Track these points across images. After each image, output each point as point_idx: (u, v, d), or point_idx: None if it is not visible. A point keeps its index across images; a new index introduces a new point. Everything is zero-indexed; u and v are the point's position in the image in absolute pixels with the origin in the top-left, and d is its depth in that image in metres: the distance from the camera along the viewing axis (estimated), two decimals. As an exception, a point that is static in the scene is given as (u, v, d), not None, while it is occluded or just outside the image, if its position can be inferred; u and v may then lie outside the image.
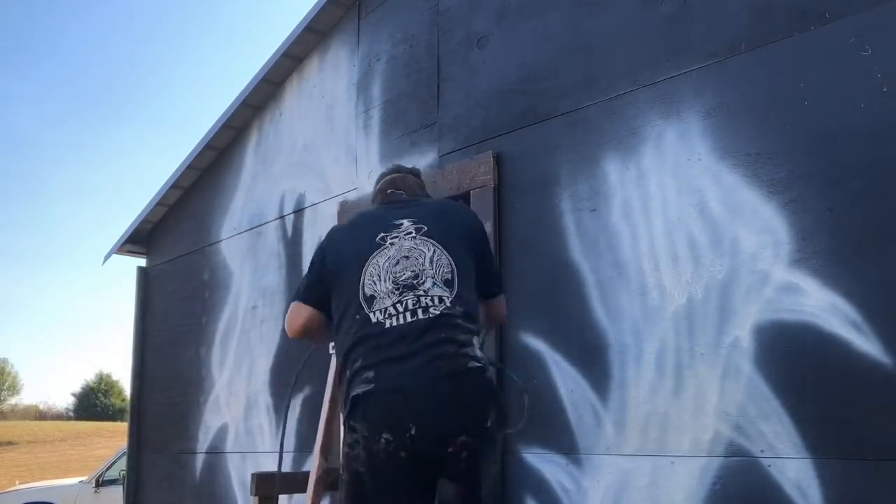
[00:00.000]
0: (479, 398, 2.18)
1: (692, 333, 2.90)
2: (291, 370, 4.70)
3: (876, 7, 2.59)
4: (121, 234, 6.58)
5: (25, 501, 10.20)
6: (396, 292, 2.26)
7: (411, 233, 2.37)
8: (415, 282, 2.26)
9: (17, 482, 16.39)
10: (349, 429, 2.21)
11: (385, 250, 2.35)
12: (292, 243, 4.92)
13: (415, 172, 2.87)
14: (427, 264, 2.30)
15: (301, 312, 2.53)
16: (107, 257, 6.69)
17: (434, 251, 2.33)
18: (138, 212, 6.45)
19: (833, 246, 2.59)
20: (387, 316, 2.24)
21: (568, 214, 3.35)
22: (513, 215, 3.57)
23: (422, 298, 2.24)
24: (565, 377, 3.25)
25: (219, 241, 5.63)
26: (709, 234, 2.90)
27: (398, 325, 2.21)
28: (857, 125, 2.58)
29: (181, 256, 6.07)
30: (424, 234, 2.36)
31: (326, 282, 2.46)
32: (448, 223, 2.44)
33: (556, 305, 3.31)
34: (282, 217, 5.04)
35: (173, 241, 6.24)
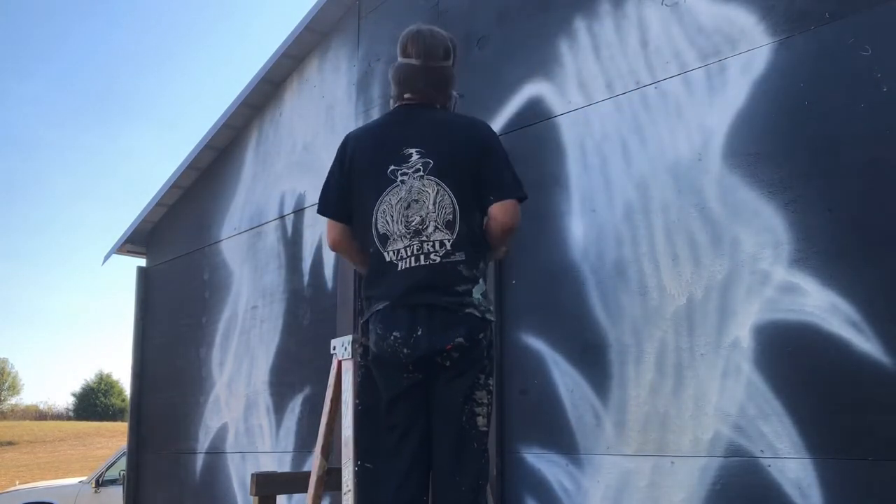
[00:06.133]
0: (474, 329, 2.45)
1: (692, 333, 2.90)
2: (292, 370, 4.72)
3: (876, 7, 2.59)
4: (121, 234, 6.58)
5: (25, 501, 10.21)
6: (407, 236, 2.46)
7: (419, 170, 2.48)
8: (421, 227, 2.45)
9: (17, 482, 16.40)
10: (365, 331, 2.55)
11: (397, 189, 2.48)
12: (292, 243, 4.92)
13: (435, 53, 2.64)
14: (431, 207, 2.45)
15: (332, 230, 2.69)
16: (107, 257, 6.69)
17: (438, 191, 2.46)
18: (138, 212, 6.46)
19: (833, 246, 2.59)
20: (399, 258, 2.46)
21: (568, 214, 3.35)
22: (513, 215, 3.56)
23: (425, 244, 2.44)
24: (565, 377, 3.25)
25: (219, 241, 5.63)
26: (709, 234, 2.90)
27: (407, 268, 2.45)
28: (857, 125, 2.58)
29: (181, 256, 6.07)
30: (430, 172, 2.47)
31: (346, 193, 2.62)
32: (452, 148, 2.51)
33: (556, 305, 3.31)
34: (282, 217, 5.05)
35: (173, 241, 6.24)
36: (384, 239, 2.49)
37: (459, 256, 2.44)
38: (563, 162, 3.40)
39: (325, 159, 4.74)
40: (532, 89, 3.61)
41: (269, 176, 5.26)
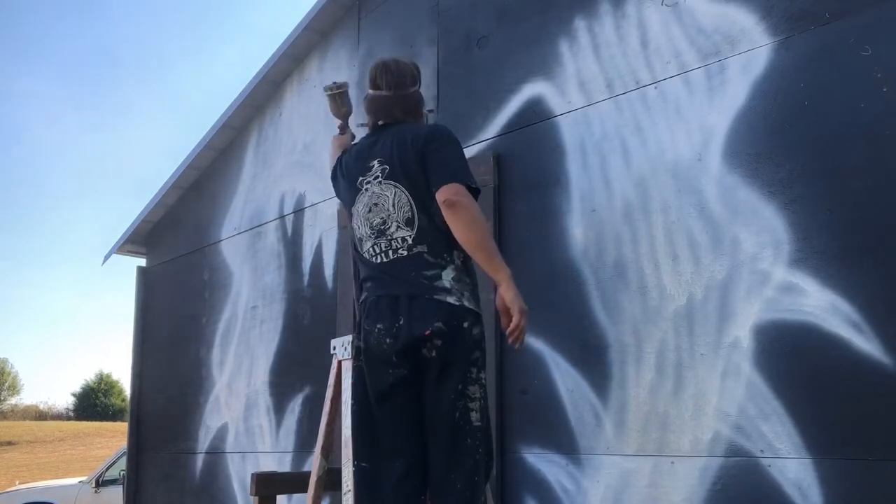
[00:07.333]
0: (453, 316, 2.50)
1: (692, 333, 2.90)
2: (292, 370, 4.72)
3: (876, 7, 2.59)
4: (121, 234, 6.58)
5: (25, 501, 10.21)
6: (373, 237, 2.64)
7: (378, 177, 2.67)
8: (383, 227, 2.62)
9: (17, 482, 16.39)
10: (359, 331, 2.65)
11: (362, 196, 2.70)
12: (292, 243, 4.92)
13: (403, 82, 2.79)
14: (391, 208, 2.62)
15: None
16: (107, 257, 6.69)
17: (395, 193, 2.63)
18: (138, 212, 6.46)
19: (833, 246, 2.59)
20: (370, 255, 2.66)
21: (568, 214, 3.35)
22: (513, 215, 3.57)
23: (392, 242, 2.61)
24: (565, 377, 3.25)
25: (219, 241, 5.64)
26: (709, 234, 2.90)
27: (380, 262, 2.63)
28: (857, 125, 2.58)
29: (181, 256, 6.07)
30: (388, 177, 2.64)
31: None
32: (402, 151, 2.65)
33: (556, 305, 3.31)
34: (282, 217, 5.05)
35: (173, 241, 6.24)
36: (360, 241, 2.71)
37: (422, 248, 2.57)
38: (563, 162, 3.41)
39: (326, 159, 4.75)
40: (532, 89, 3.61)
41: (269, 176, 5.26)
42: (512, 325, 2.45)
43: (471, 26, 3.97)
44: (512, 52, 3.74)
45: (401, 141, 2.66)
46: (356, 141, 2.99)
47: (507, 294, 2.45)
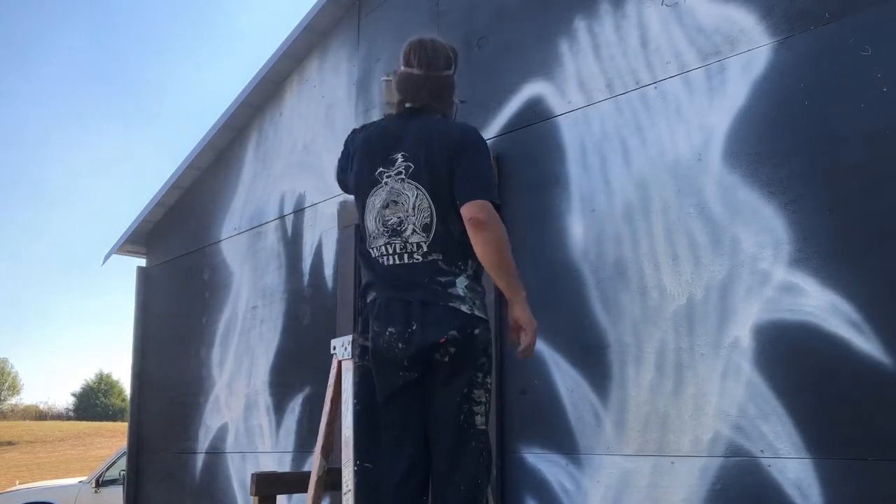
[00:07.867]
0: (467, 324, 2.48)
1: (692, 333, 2.90)
2: (292, 370, 4.72)
3: (876, 7, 2.59)
4: (121, 234, 6.58)
5: (25, 501, 10.21)
6: (385, 234, 2.55)
7: (401, 173, 2.56)
8: (399, 228, 2.54)
9: (17, 482, 16.39)
10: (364, 329, 2.61)
11: (380, 190, 2.59)
12: (292, 243, 4.92)
13: (437, 63, 2.66)
14: (410, 210, 2.53)
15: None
16: (107, 257, 6.69)
17: (416, 195, 2.54)
18: (138, 212, 6.46)
19: (833, 246, 2.59)
20: (380, 255, 2.57)
21: (568, 214, 3.35)
22: (513, 215, 3.56)
23: (407, 245, 2.53)
24: (565, 377, 3.25)
25: (219, 241, 5.63)
26: (709, 234, 2.90)
27: (389, 265, 2.55)
28: (857, 125, 2.58)
29: (181, 256, 6.07)
30: (412, 176, 2.54)
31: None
32: (428, 153, 2.55)
33: (556, 305, 3.31)
34: (282, 217, 5.05)
35: (173, 241, 6.24)
36: (370, 237, 2.61)
37: (437, 255, 2.52)
38: (563, 162, 3.41)
39: (325, 159, 4.75)
40: (532, 89, 3.61)
41: (269, 176, 5.26)
42: (524, 344, 2.50)
43: (471, 26, 3.97)
44: (512, 52, 3.74)
45: (428, 139, 2.57)
46: (376, 120, 2.85)
47: (523, 316, 2.50)
